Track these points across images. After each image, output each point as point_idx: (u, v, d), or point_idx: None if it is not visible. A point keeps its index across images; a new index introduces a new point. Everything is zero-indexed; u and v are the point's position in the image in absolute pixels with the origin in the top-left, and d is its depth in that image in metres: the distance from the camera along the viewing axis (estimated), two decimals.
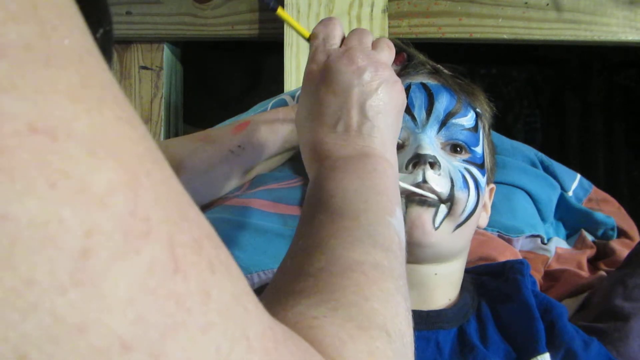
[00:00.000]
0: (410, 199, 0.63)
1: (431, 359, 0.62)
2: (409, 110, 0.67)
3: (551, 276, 0.88)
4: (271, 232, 0.78)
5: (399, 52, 0.72)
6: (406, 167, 0.64)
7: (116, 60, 1.21)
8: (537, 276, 0.85)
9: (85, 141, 0.21)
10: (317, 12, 1.11)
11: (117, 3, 1.19)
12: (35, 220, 0.20)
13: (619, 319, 0.71)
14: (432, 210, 0.63)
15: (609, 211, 0.98)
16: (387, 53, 0.60)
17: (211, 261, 0.26)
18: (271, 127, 0.79)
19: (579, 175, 1.01)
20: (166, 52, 1.22)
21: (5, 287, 0.19)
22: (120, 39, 1.21)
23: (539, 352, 0.62)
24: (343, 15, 1.11)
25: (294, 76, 1.09)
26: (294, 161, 0.87)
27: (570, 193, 0.99)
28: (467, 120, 0.69)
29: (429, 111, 0.68)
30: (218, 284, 0.25)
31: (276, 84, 1.10)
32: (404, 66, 0.72)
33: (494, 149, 0.76)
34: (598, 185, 1.03)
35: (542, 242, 0.91)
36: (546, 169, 0.99)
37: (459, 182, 0.65)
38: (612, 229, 0.95)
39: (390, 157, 0.54)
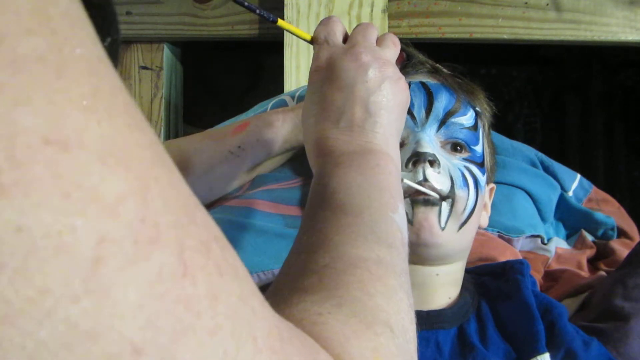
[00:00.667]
0: (415, 199, 0.63)
1: (431, 359, 0.62)
2: (408, 110, 0.67)
3: (551, 276, 0.88)
4: (271, 232, 0.78)
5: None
6: (406, 166, 0.64)
7: None
8: (537, 276, 0.85)
9: (97, 151, 0.22)
10: (317, 12, 1.11)
11: (117, 3, 1.18)
12: (49, 231, 0.20)
13: (618, 319, 0.71)
14: (436, 209, 0.63)
15: (609, 211, 0.98)
16: (392, 50, 0.60)
17: (219, 264, 0.26)
18: (271, 128, 0.79)
19: (579, 176, 1.01)
20: (166, 52, 1.22)
21: (21, 297, 0.20)
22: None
23: (539, 352, 0.62)
24: (343, 15, 1.11)
25: (294, 76, 1.09)
26: (293, 161, 0.87)
27: (570, 193, 0.99)
28: (466, 119, 0.69)
29: (429, 110, 0.68)
30: (226, 286, 0.26)
31: (276, 84, 1.10)
32: (403, 65, 0.72)
33: (494, 149, 0.76)
34: (598, 185, 1.03)
35: (542, 242, 0.91)
36: (546, 169, 0.99)
37: (458, 180, 0.65)
38: (612, 229, 0.95)
39: (392, 153, 0.54)
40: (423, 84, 0.69)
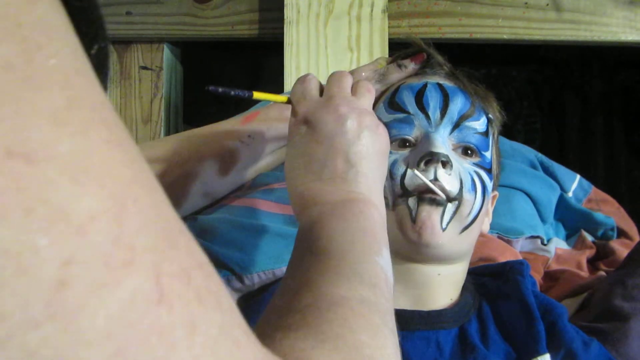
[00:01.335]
0: (421, 197, 0.63)
1: (431, 359, 0.62)
2: (423, 109, 0.68)
3: (551, 277, 0.88)
4: (272, 232, 0.78)
5: (419, 51, 0.73)
6: (418, 164, 0.64)
7: (116, 60, 1.21)
8: (537, 277, 0.86)
9: (67, 166, 0.20)
10: (317, 12, 1.11)
11: (117, 3, 1.19)
12: (9, 250, 0.19)
13: (618, 319, 0.71)
14: (440, 209, 0.63)
15: (609, 211, 0.98)
16: (368, 98, 0.61)
17: (199, 292, 0.24)
18: (280, 117, 0.79)
19: (578, 176, 1.01)
20: (166, 52, 1.22)
21: None
22: (120, 39, 1.21)
23: (539, 353, 0.62)
24: (343, 15, 1.11)
25: (294, 76, 1.09)
26: None
27: (570, 194, 0.99)
28: (479, 124, 0.69)
29: (444, 111, 0.68)
30: (206, 316, 0.24)
31: (276, 84, 1.10)
32: (422, 65, 0.72)
33: (500, 156, 0.76)
34: (598, 185, 1.03)
35: (542, 243, 0.91)
36: (546, 170, 0.99)
37: (467, 183, 0.65)
38: (612, 229, 0.96)
39: (376, 201, 0.55)
40: (440, 86, 0.69)
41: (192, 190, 0.78)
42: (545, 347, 0.62)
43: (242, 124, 0.80)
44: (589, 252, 0.92)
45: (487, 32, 1.15)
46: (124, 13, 1.18)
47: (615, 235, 0.96)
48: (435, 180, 0.63)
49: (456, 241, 0.65)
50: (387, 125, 0.67)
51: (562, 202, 0.97)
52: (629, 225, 0.98)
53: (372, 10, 1.11)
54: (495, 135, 0.74)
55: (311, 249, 0.48)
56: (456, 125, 0.68)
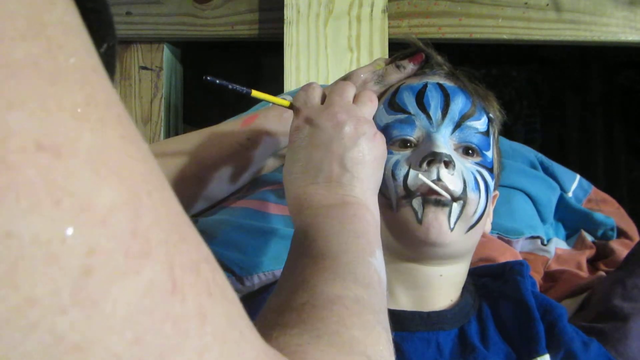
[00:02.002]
0: (426, 199, 0.63)
1: None
2: (424, 109, 0.68)
3: (551, 277, 0.88)
4: (272, 233, 0.78)
5: (417, 52, 0.73)
6: (420, 165, 0.64)
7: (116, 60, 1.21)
8: (537, 277, 0.86)
9: (89, 159, 0.21)
10: (317, 12, 1.11)
11: (117, 3, 1.19)
12: (39, 238, 0.20)
13: (618, 320, 0.71)
14: (446, 210, 0.63)
15: (609, 211, 0.98)
16: (369, 107, 0.62)
17: (208, 284, 0.25)
18: (279, 120, 0.79)
19: (578, 176, 1.01)
20: (166, 52, 1.23)
21: (7, 306, 0.19)
22: (120, 39, 1.20)
23: (539, 353, 0.62)
24: (343, 15, 1.11)
25: (294, 76, 1.09)
26: None
27: (569, 194, 0.99)
28: (480, 124, 0.69)
29: (445, 111, 0.68)
30: (214, 306, 0.25)
31: (276, 84, 1.10)
32: (421, 66, 0.72)
33: (500, 156, 0.76)
34: (598, 185, 1.03)
35: (542, 243, 0.91)
36: (546, 170, 0.99)
37: (471, 183, 0.65)
38: (612, 230, 0.96)
39: (370, 206, 0.56)
40: (440, 85, 0.69)
41: (191, 194, 0.78)
42: (545, 347, 0.63)
43: (242, 127, 0.80)
44: (589, 252, 0.92)
45: (487, 32, 1.15)
46: (124, 13, 1.18)
47: (615, 235, 0.96)
48: (438, 180, 0.63)
49: (462, 240, 0.65)
50: (388, 125, 0.67)
51: (562, 202, 0.97)
52: (628, 225, 0.98)
53: (372, 10, 1.11)
54: (496, 135, 0.74)
55: (307, 250, 0.49)
56: (457, 125, 0.68)
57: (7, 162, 0.19)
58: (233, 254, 0.75)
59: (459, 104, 0.68)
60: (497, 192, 0.75)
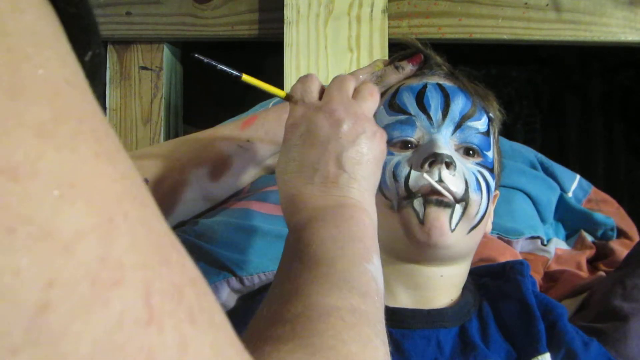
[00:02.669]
0: (428, 199, 0.63)
1: (432, 358, 0.62)
2: (424, 110, 0.67)
3: (551, 277, 0.88)
4: (272, 234, 0.78)
5: (416, 53, 0.73)
6: (421, 166, 0.64)
7: (116, 60, 1.22)
8: (537, 277, 0.86)
9: (52, 181, 0.20)
10: (317, 12, 1.11)
11: (117, 3, 1.19)
12: None
13: (618, 319, 0.71)
14: (448, 210, 0.63)
15: (609, 212, 0.98)
16: (369, 102, 0.60)
17: (191, 310, 0.24)
18: (279, 121, 0.79)
19: (578, 176, 1.01)
20: (166, 52, 1.23)
21: None
22: (120, 39, 1.21)
23: (540, 352, 0.62)
24: (343, 15, 1.11)
25: (293, 76, 1.09)
26: None
27: (569, 194, 0.99)
28: (480, 124, 0.69)
29: (445, 112, 0.67)
30: (198, 335, 0.23)
31: (276, 84, 1.09)
32: (420, 67, 0.72)
33: (501, 155, 0.76)
34: (598, 185, 1.03)
35: (542, 244, 0.91)
36: (545, 170, 0.99)
37: (472, 183, 0.65)
38: (612, 230, 0.96)
39: (368, 207, 0.54)
40: (440, 86, 0.69)
41: (192, 195, 0.78)
42: (546, 346, 0.63)
43: (241, 129, 0.80)
44: (589, 253, 0.92)
45: (487, 32, 1.15)
46: (124, 13, 1.19)
47: (615, 235, 0.96)
48: (440, 181, 0.63)
49: (463, 241, 0.65)
50: (389, 127, 0.67)
51: (562, 202, 0.97)
52: (628, 225, 0.98)
53: (372, 11, 1.11)
54: (496, 134, 0.74)
55: (301, 255, 0.47)
56: (458, 126, 0.67)
57: None
58: (233, 254, 0.75)
59: (459, 104, 0.68)
60: (497, 192, 0.75)
